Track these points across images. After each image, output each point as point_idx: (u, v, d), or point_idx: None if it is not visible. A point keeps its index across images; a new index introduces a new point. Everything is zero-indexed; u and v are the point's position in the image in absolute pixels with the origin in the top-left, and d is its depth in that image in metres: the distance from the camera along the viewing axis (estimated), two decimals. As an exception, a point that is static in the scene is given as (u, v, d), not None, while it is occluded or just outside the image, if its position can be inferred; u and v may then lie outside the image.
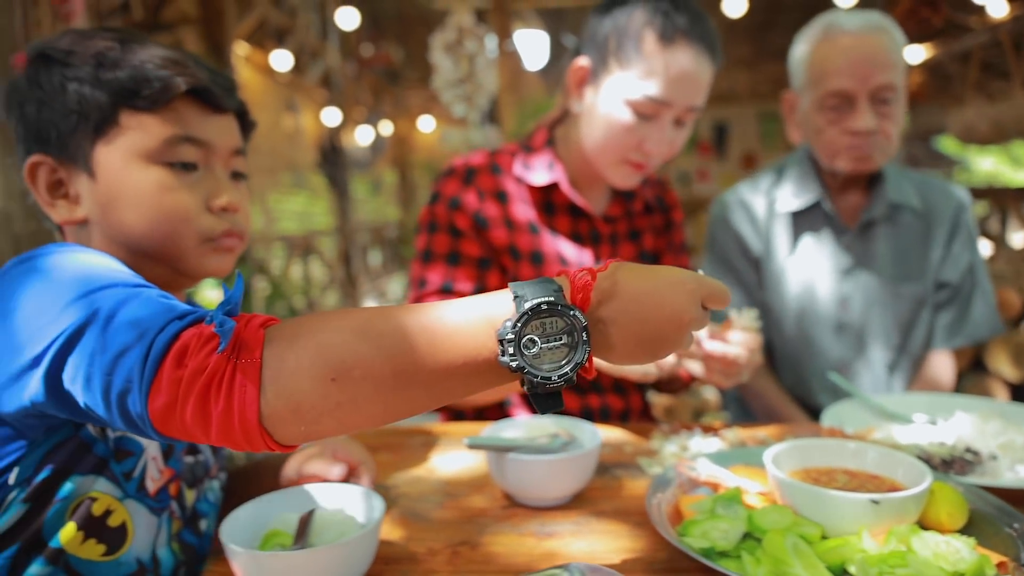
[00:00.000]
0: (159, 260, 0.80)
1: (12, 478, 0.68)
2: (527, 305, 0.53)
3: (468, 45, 3.07)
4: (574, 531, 0.82)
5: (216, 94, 0.80)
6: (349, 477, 0.88)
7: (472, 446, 0.88)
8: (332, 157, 5.55)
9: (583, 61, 1.16)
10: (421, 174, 8.15)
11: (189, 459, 0.85)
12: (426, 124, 8.07)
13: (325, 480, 0.85)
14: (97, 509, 0.71)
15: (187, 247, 0.79)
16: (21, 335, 0.61)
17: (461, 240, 1.19)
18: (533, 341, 0.53)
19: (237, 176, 0.86)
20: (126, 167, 0.76)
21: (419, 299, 1.15)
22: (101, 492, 0.72)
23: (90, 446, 0.72)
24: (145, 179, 0.76)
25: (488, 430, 0.95)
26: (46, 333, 0.59)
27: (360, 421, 0.54)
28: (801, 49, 1.36)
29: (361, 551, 0.70)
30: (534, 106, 3.21)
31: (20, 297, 0.63)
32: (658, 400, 1.40)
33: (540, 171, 1.22)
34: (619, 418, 1.27)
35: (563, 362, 0.55)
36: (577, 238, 1.25)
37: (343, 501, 0.80)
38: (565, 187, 1.21)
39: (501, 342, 0.53)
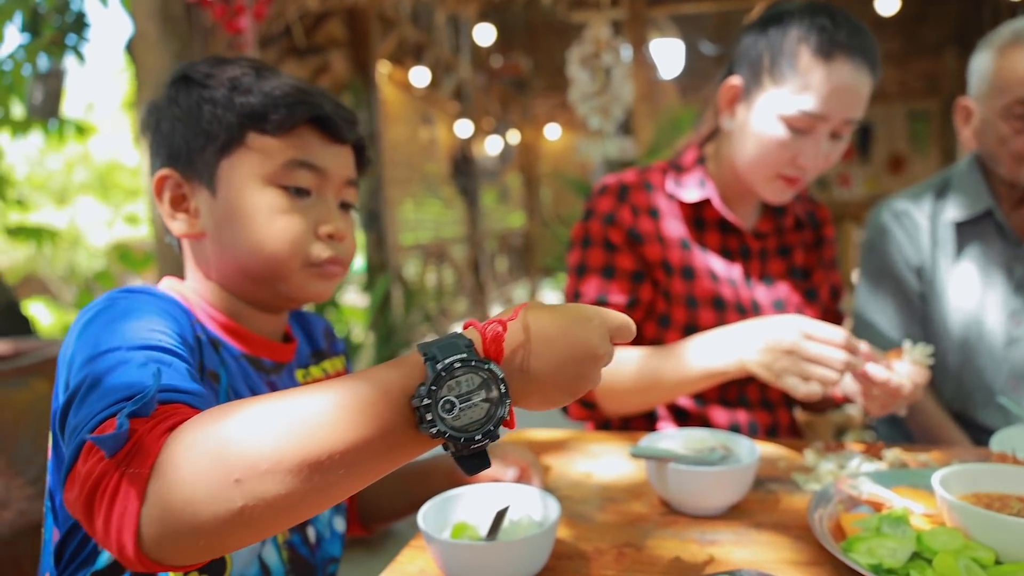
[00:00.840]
0: (263, 280, 0.83)
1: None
2: (439, 366, 0.50)
3: (605, 58, 3.11)
4: (735, 540, 0.85)
5: (337, 124, 0.83)
6: (519, 479, 0.96)
7: (636, 455, 0.93)
8: (463, 167, 5.75)
9: (735, 80, 1.19)
10: (547, 182, 8.27)
11: None
12: (552, 132, 8.19)
13: (499, 481, 0.93)
14: None
15: (291, 269, 0.82)
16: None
17: (616, 254, 1.24)
18: (451, 403, 0.50)
19: (346, 206, 0.89)
20: (245, 186, 0.81)
21: None
22: None
23: None
24: (260, 199, 0.81)
25: (645, 440, 0.99)
26: (60, 397, 0.63)
27: (270, 521, 0.49)
28: (986, 55, 1.31)
29: (543, 547, 0.77)
30: (670, 117, 3.21)
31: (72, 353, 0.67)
32: (800, 416, 1.40)
33: (691, 188, 1.26)
34: (767, 433, 1.28)
35: (484, 419, 0.52)
36: (727, 253, 1.28)
37: (520, 500, 0.87)
38: (716, 203, 1.24)
39: (418, 409, 0.50)
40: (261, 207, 0.80)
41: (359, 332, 3.89)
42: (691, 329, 1.23)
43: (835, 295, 1.40)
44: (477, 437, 0.51)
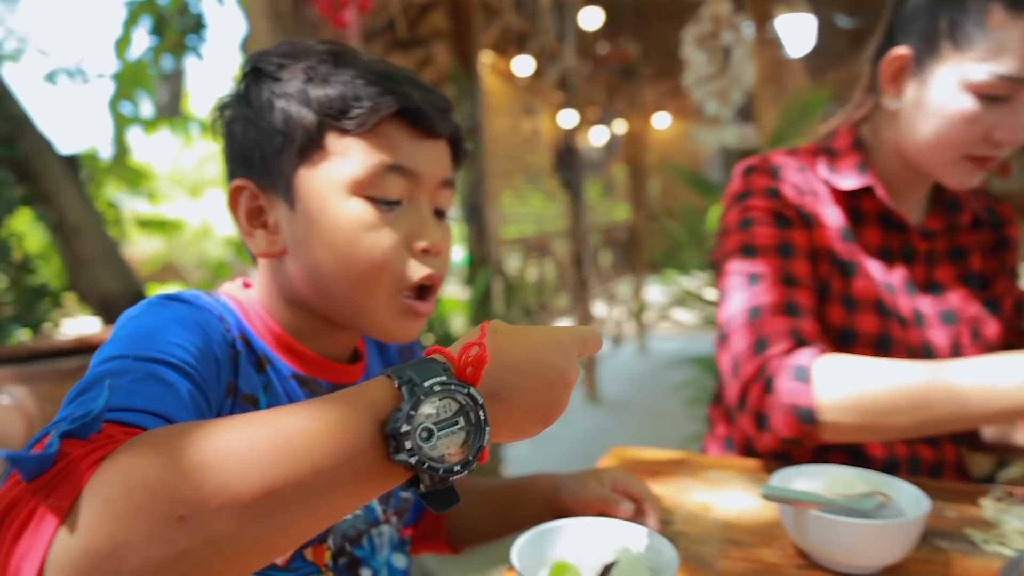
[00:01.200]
0: (345, 311, 0.74)
1: None
2: (418, 388, 0.46)
3: (724, 36, 2.87)
4: (898, 613, 0.69)
5: (429, 116, 0.72)
6: (632, 515, 0.84)
7: (769, 497, 0.78)
8: (567, 159, 5.62)
9: (901, 51, 1.00)
10: (655, 174, 8.01)
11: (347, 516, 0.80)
12: (661, 121, 7.91)
13: (608, 515, 0.81)
14: None
15: (378, 297, 0.72)
16: None
17: (790, 230, 1.06)
18: (429, 431, 0.46)
19: (440, 214, 0.78)
20: (325, 198, 0.70)
21: (752, 298, 1.04)
22: None
23: None
24: (343, 213, 0.70)
25: (778, 478, 0.84)
26: None
27: (210, 571, 0.40)
28: None
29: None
30: (798, 100, 2.93)
31: None
32: (972, 456, 1.18)
33: (849, 174, 1.08)
34: (929, 472, 1.08)
35: (462, 449, 0.48)
36: (886, 254, 1.09)
37: (629, 541, 0.75)
38: (882, 193, 1.06)
39: (393, 437, 0.45)
40: (344, 222, 0.69)
41: (460, 325, 3.85)
42: (846, 336, 1.06)
43: (1020, 309, 1.17)
44: (456, 468, 0.47)
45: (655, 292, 7.62)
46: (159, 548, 0.38)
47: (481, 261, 3.91)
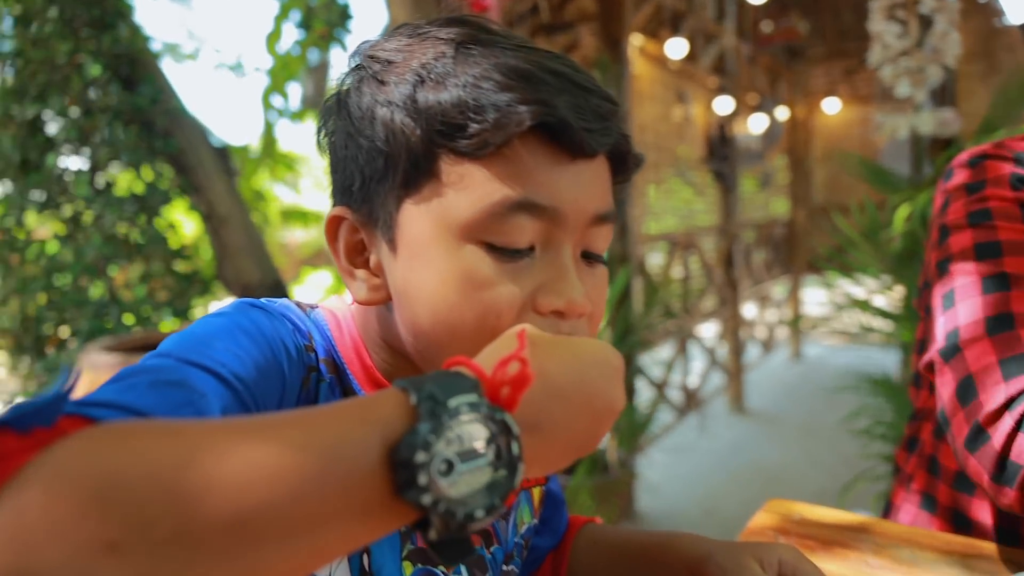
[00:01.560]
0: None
1: None
2: (439, 409, 0.37)
3: (924, 3, 2.41)
4: None
5: (578, 131, 0.53)
6: None
7: None
8: (721, 149, 5.22)
9: None
10: (821, 165, 7.33)
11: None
12: (830, 106, 7.21)
13: None
14: None
15: None
16: None
17: None
18: (449, 464, 0.36)
19: (592, 258, 0.59)
20: (431, 243, 0.54)
21: (997, 305, 0.82)
22: None
23: None
24: (451, 264, 0.53)
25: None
26: None
27: None
28: None
29: None
30: (1017, 79, 2.43)
31: None
32: None
33: None
34: None
35: (487, 489, 0.38)
36: None
37: None
38: None
39: (404, 466, 0.35)
40: (452, 276, 0.54)
41: (595, 328, 3.65)
42: None
43: None
44: (478, 513, 0.37)
45: (814, 295, 7.00)
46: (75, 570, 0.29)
47: (621, 258, 3.68)
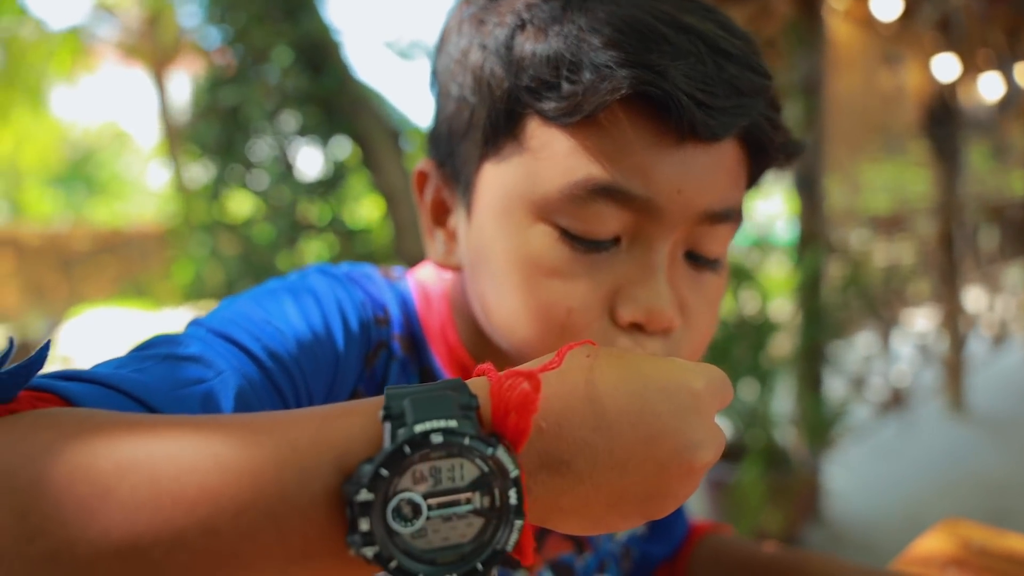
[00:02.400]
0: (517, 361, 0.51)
1: None
2: (403, 435, 0.27)
3: None
4: None
5: (688, 108, 0.42)
6: None
7: None
8: (942, 117, 4.60)
9: None
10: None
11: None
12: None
13: None
14: None
15: None
16: None
17: None
18: (414, 505, 0.28)
19: (701, 263, 0.50)
20: (503, 212, 0.47)
21: None
22: None
23: None
24: (518, 243, 0.47)
25: None
26: None
27: None
28: None
29: None
30: None
31: None
32: None
33: None
34: None
35: (470, 547, 0.29)
36: None
37: None
38: None
39: (351, 505, 0.27)
40: (520, 257, 0.47)
41: (780, 308, 3.39)
42: None
43: None
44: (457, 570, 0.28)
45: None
46: None
47: (813, 238, 3.37)
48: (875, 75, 4.29)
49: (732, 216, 0.49)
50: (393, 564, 0.28)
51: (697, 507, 3.08)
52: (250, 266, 2.95)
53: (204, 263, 3.02)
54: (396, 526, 0.28)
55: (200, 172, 3.14)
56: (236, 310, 0.48)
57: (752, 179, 0.53)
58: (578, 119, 0.44)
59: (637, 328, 0.47)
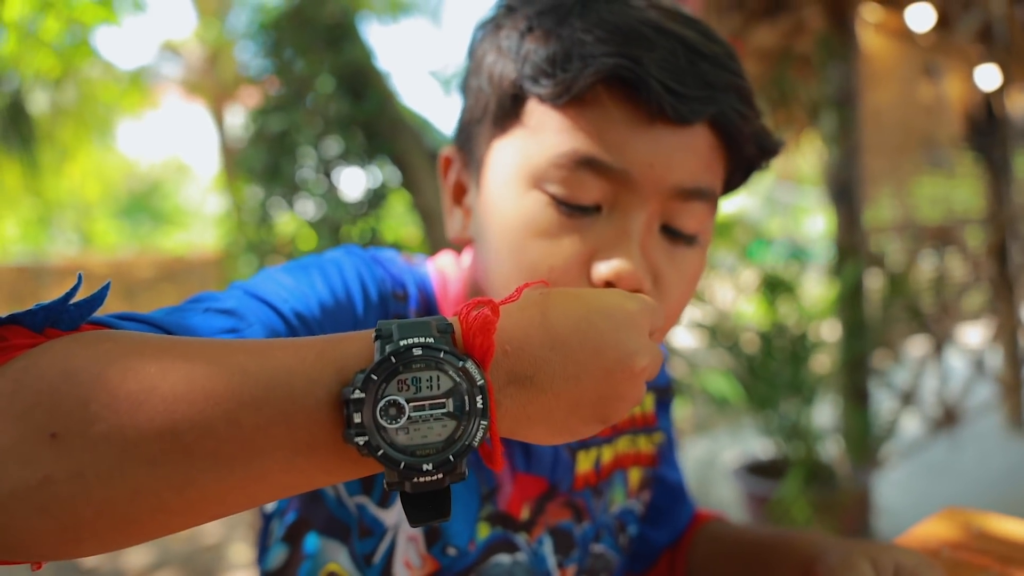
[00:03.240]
0: None
1: (271, 505, 0.60)
2: (390, 347, 0.34)
3: None
4: None
5: (656, 91, 0.49)
6: None
7: None
8: (986, 127, 4.51)
9: None
10: None
11: (506, 558, 0.64)
12: None
13: None
14: None
15: None
16: None
17: None
18: (398, 406, 0.34)
19: (676, 236, 0.55)
20: (504, 183, 0.55)
21: None
22: (341, 568, 0.58)
23: (325, 503, 0.59)
24: (516, 207, 0.53)
25: None
26: None
27: (87, 517, 0.31)
28: None
29: None
30: None
31: None
32: None
33: None
34: None
35: (443, 443, 0.35)
36: None
37: None
38: None
39: (347, 403, 0.33)
40: (514, 220, 0.54)
41: (822, 322, 3.36)
42: None
43: None
44: (426, 466, 0.35)
45: None
46: (18, 467, 0.31)
47: (851, 250, 3.35)
48: (916, 86, 4.25)
49: (704, 195, 0.55)
50: (380, 452, 0.34)
51: (740, 520, 3.06)
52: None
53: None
54: (383, 422, 0.34)
55: (250, 196, 3.32)
56: (270, 276, 0.56)
57: (731, 170, 0.59)
58: (567, 99, 0.51)
59: (610, 286, 0.52)
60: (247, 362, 0.35)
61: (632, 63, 0.49)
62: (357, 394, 0.34)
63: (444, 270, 0.68)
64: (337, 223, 3.12)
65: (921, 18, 3.88)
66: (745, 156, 0.57)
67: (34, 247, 14.09)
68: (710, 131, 0.54)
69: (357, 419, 0.34)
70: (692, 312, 3.30)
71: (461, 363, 0.35)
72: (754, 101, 0.56)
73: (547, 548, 0.66)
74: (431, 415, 0.35)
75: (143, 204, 17.92)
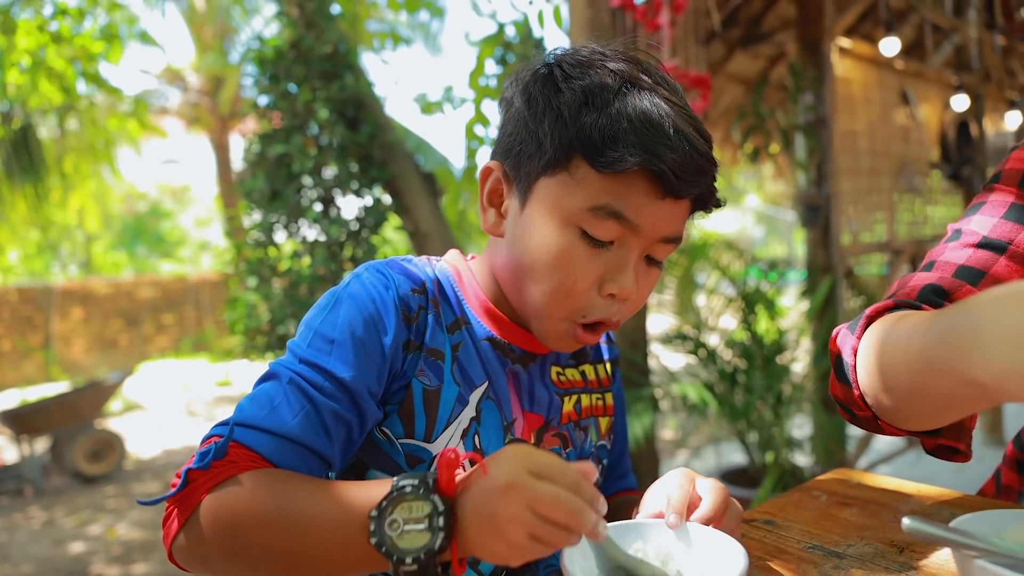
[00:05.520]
0: (526, 308, 0.79)
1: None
2: (392, 487, 0.56)
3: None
4: None
5: (674, 182, 0.70)
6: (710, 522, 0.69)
7: (913, 531, 0.57)
8: (961, 150, 4.68)
9: None
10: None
11: None
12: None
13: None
14: None
15: (553, 316, 0.77)
16: None
17: None
18: (397, 523, 0.55)
19: (651, 263, 0.78)
20: (549, 214, 0.74)
21: None
22: None
23: (379, 446, 0.77)
24: (554, 236, 0.73)
25: (969, 518, 0.61)
26: None
27: None
28: None
29: None
30: None
31: None
32: None
33: None
34: None
35: (422, 547, 0.55)
36: None
37: (702, 544, 0.65)
38: None
39: (371, 519, 0.56)
40: (554, 243, 0.74)
41: (795, 339, 3.49)
42: None
43: None
44: (407, 560, 0.55)
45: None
46: (225, 564, 0.63)
47: (824, 269, 3.49)
48: (892, 111, 4.42)
49: (678, 240, 0.77)
50: (384, 549, 0.56)
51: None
52: (293, 302, 3.24)
53: (253, 300, 3.32)
54: (388, 532, 0.56)
55: (250, 221, 3.47)
56: (316, 335, 0.74)
57: (692, 216, 0.80)
58: (608, 171, 0.70)
59: (612, 297, 0.75)
60: (328, 505, 0.61)
61: (658, 159, 0.69)
62: (373, 513, 0.57)
63: (455, 263, 0.87)
64: (334, 245, 3.27)
65: (889, 47, 4.05)
66: (705, 211, 0.79)
67: (38, 274, 14.22)
68: (691, 200, 0.75)
69: (372, 528, 0.57)
70: (674, 325, 3.43)
71: (431, 496, 0.55)
72: (717, 175, 0.77)
73: None
74: (415, 529, 0.56)
75: (145, 229, 18.10)
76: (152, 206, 18.51)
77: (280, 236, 3.42)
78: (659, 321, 3.71)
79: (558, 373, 0.89)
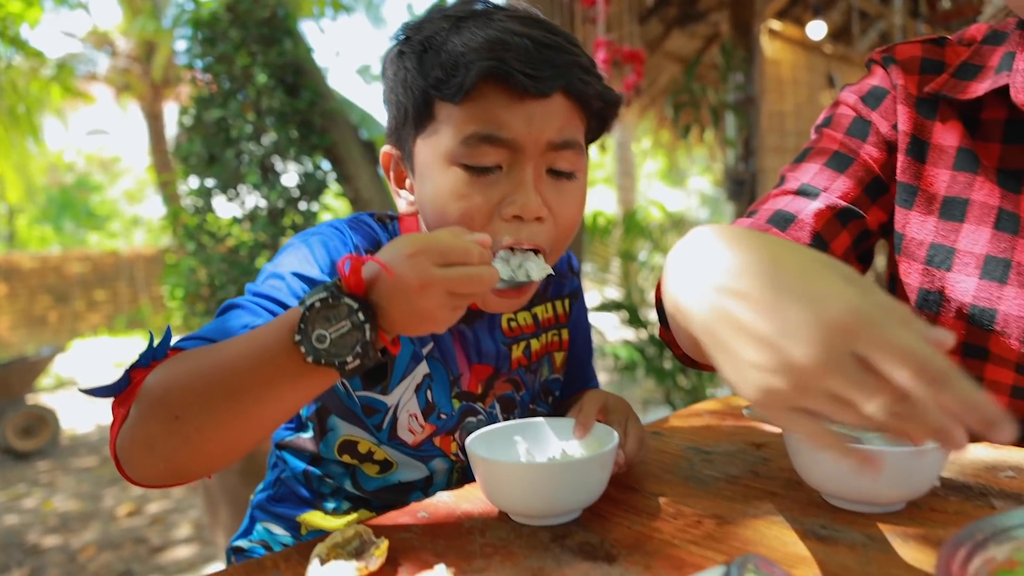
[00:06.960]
0: None
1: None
2: (303, 307, 0.56)
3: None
4: (867, 547, 0.56)
5: (518, 77, 0.68)
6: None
7: (753, 416, 0.68)
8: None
9: None
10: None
11: (472, 419, 0.86)
12: None
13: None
14: (362, 448, 0.83)
15: None
16: None
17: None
18: (323, 336, 0.56)
19: (559, 175, 0.75)
20: (430, 166, 0.74)
21: None
22: (360, 437, 0.82)
23: (338, 396, 0.81)
24: (442, 181, 0.73)
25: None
26: None
27: (211, 448, 0.61)
28: None
29: (583, 475, 0.64)
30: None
31: None
32: None
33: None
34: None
35: (352, 344, 0.57)
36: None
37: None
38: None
39: (299, 344, 0.57)
40: (442, 188, 0.73)
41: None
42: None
43: None
44: (348, 359, 0.57)
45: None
46: (171, 437, 0.60)
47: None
48: (819, 93, 4.63)
49: (571, 144, 0.74)
50: (323, 360, 0.56)
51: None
52: (233, 267, 3.23)
53: (192, 265, 3.29)
54: (319, 345, 0.56)
55: (186, 187, 3.43)
56: (270, 275, 0.76)
57: (589, 122, 0.77)
58: (462, 97, 0.70)
59: (518, 219, 0.72)
60: (250, 346, 0.61)
61: (499, 62, 0.68)
62: (297, 337, 0.57)
63: (409, 223, 0.87)
64: (274, 211, 3.27)
65: (816, 31, 4.24)
66: (595, 110, 0.76)
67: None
68: (564, 97, 0.72)
69: (303, 349, 0.57)
70: (610, 293, 3.56)
71: (342, 300, 0.56)
72: (594, 70, 0.75)
73: (497, 410, 0.88)
74: (341, 332, 0.57)
75: (72, 201, 17.39)
76: (79, 178, 17.77)
77: (219, 202, 3.39)
78: (600, 296, 3.83)
79: (509, 320, 0.90)
